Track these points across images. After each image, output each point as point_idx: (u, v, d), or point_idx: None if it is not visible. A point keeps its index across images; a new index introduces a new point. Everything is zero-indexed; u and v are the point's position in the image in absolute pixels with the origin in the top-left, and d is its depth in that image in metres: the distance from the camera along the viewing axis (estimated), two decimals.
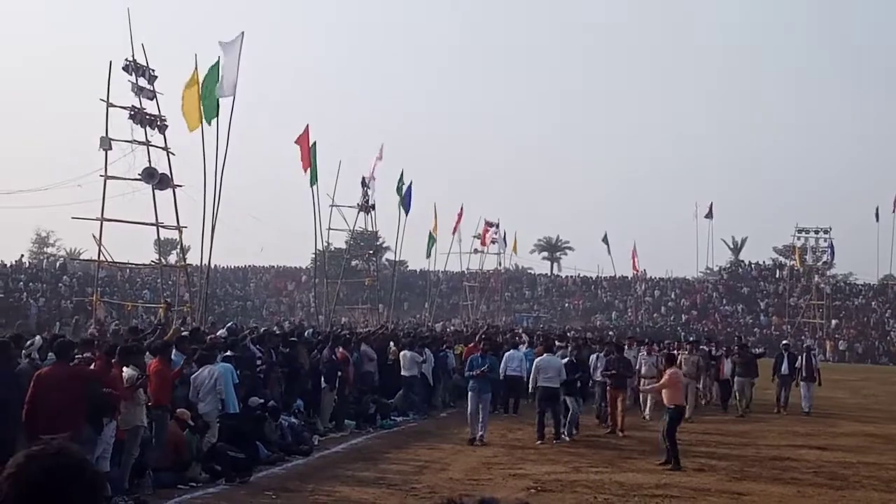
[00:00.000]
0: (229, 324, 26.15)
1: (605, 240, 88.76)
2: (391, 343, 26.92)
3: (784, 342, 33.49)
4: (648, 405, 25.28)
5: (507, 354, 25.88)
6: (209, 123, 31.12)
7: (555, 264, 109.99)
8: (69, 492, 2.40)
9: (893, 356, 72.62)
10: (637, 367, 24.94)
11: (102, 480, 2.53)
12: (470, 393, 20.04)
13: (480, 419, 19.70)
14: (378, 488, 14.38)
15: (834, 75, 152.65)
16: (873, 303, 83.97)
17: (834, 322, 79.17)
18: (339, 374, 21.61)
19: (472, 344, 27.71)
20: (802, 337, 70.35)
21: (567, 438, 20.32)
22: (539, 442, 19.81)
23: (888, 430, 24.75)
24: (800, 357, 29.15)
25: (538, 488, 14.69)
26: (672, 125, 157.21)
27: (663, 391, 18.09)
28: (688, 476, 16.31)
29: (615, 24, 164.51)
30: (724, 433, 22.64)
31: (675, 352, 27.20)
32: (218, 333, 22.47)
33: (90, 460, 2.51)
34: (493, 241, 78.69)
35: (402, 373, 24.91)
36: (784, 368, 28.65)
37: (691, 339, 38.38)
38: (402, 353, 25.32)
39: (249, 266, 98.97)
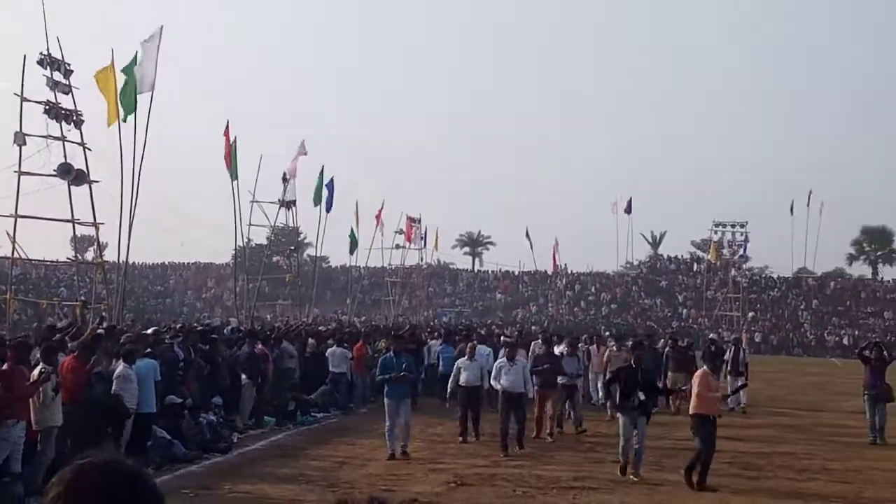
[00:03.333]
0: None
1: (527, 235, 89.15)
2: (310, 339, 26.86)
3: (711, 335, 33.68)
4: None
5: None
6: (125, 121, 30.66)
7: (476, 259, 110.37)
8: None
9: (807, 348, 74.12)
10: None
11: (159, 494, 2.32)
12: (386, 401, 17.45)
13: (402, 427, 17.33)
14: (297, 485, 14.33)
15: (748, 70, 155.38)
16: (788, 295, 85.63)
17: (750, 314, 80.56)
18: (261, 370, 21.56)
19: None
20: (719, 329, 71.49)
21: (635, 479, 15.48)
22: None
23: (801, 420, 25.26)
24: (727, 350, 28.63)
25: (458, 482, 14.74)
26: (592, 121, 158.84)
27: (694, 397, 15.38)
28: (605, 468, 16.48)
29: (529, 22, 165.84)
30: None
31: (596, 346, 26.91)
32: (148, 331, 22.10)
33: (147, 472, 2.30)
34: (420, 238, 78.85)
35: (331, 369, 24.92)
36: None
37: (608, 333, 38.40)
38: (330, 350, 25.28)
39: (169, 262, 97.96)
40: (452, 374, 20.31)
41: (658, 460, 17.30)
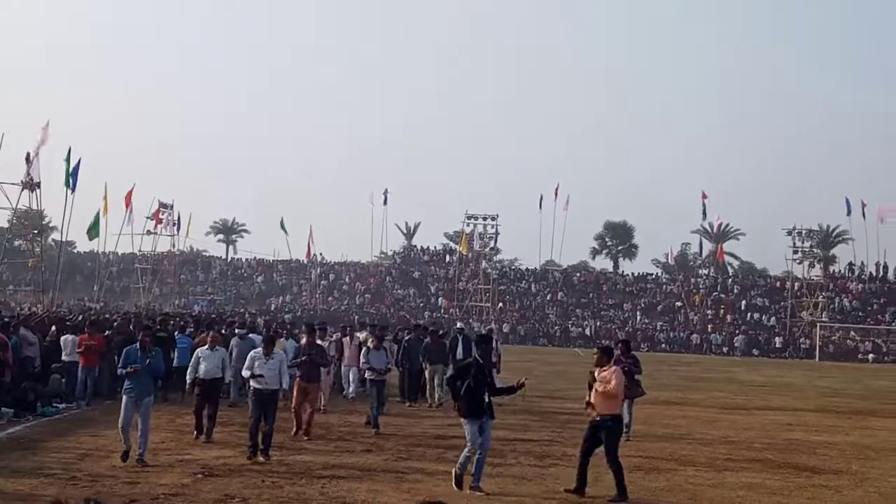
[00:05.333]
0: None
1: (282, 224, 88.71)
2: (53, 326, 25.79)
3: (458, 325, 33.82)
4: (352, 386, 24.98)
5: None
6: None
7: (230, 247, 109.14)
8: None
9: (552, 338, 77.00)
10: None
11: None
12: (125, 397, 15.60)
13: (140, 429, 15.28)
14: (35, 478, 13.73)
15: (497, 68, 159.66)
16: (534, 287, 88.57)
17: (499, 305, 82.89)
18: None
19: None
20: (469, 320, 73.16)
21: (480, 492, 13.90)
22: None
23: (546, 407, 26.17)
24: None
25: (206, 473, 14.50)
26: (348, 111, 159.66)
27: (599, 398, 14.31)
28: (355, 456, 16.63)
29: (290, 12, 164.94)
30: (396, 415, 23.12)
31: (349, 338, 26.23)
32: None
33: None
34: (172, 224, 77.23)
35: (63, 357, 23.83)
36: (459, 353, 26.60)
37: (371, 324, 37.97)
38: (64, 338, 24.22)
39: None
40: (191, 365, 18.39)
41: (406, 449, 17.61)
